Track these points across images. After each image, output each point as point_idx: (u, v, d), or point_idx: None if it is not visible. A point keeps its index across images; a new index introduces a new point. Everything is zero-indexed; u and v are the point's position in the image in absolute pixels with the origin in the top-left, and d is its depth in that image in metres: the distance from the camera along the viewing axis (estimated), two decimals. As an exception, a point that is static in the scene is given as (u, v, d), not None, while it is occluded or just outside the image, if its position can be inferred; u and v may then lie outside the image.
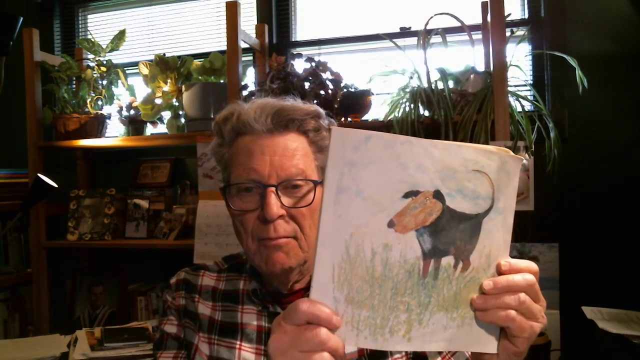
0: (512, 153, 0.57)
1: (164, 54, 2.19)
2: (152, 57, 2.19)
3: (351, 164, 0.52)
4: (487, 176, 0.56)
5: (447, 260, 0.56)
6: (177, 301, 0.94)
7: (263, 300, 0.89)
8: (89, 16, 2.68)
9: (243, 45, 1.96)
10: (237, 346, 0.87)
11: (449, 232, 0.56)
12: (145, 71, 2.20)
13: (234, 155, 0.86)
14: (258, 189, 0.82)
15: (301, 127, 0.85)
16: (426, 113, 1.76)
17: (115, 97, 2.32)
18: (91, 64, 2.30)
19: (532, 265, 0.60)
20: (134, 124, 2.30)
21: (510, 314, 0.57)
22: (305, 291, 0.89)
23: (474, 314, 0.58)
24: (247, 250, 0.86)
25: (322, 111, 0.88)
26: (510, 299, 0.57)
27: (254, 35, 2.14)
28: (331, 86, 1.84)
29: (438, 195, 0.55)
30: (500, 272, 0.58)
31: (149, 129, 2.33)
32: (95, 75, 2.26)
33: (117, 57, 2.37)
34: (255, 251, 0.84)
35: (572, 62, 1.75)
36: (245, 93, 1.91)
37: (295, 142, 0.84)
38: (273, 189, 0.80)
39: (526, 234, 1.70)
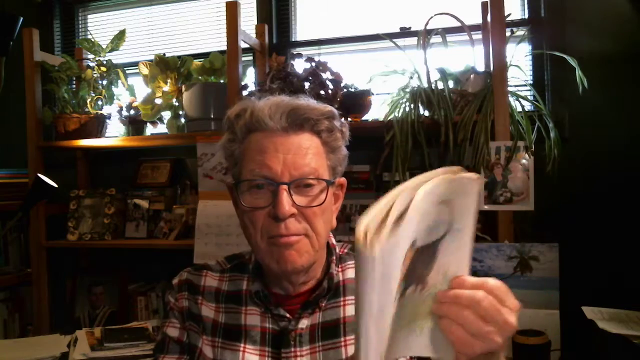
0: (468, 174, 0.58)
1: (164, 54, 2.19)
2: (152, 57, 2.19)
3: (382, 276, 0.53)
4: (450, 203, 0.57)
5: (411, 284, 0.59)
6: (180, 303, 0.93)
7: (266, 303, 0.88)
8: (89, 16, 2.68)
9: (243, 45, 1.96)
10: (241, 349, 0.86)
11: (415, 265, 0.57)
12: (145, 71, 2.20)
13: (246, 151, 0.85)
14: (270, 186, 0.81)
15: (315, 127, 0.85)
16: (426, 113, 1.75)
17: (115, 97, 2.32)
18: (91, 64, 2.30)
19: (488, 282, 0.59)
20: (134, 124, 2.30)
21: (451, 325, 0.58)
22: (311, 293, 0.89)
23: (431, 325, 0.61)
24: (255, 248, 0.85)
25: (336, 112, 0.88)
26: (453, 311, 0.58)
27: (254, 35, 2.14)
28: (331, 86, 1.84)
29: (412, 244, 0.56)
30: (452, 288, 0.60)
31: (149, 129, 2.33)
32: (95, 75, 2.26)
33: (117, 57, 2.37)
34: (265, 249, 0.83)
35: (572, 62, 1.75)
36: (245, 93, 1.91)
37: (308, 142, 0.84)
38: (285, 187, 0.80)
39: (526, 234, 1.70)
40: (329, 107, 0.87)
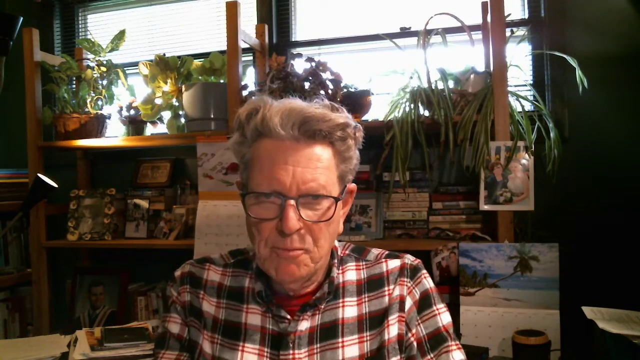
0: None
1: (164, 54, 2.19)
2: (152, 57, 2.18)
3: None
4: None
5: None
6: (182, 297, 0.93)
7: (267, 303, 0.88)
8: (89, 16, 2.68)
9: (243, 45, 1.96)
10: (240, 347, 0.86)
11: None
12: (145, 71, 2.20)
13: (256, 158, 0.83)
14: (277, 200, 0.80)
15: (328, 137, 0.83)
16: (426, 113, 1.76)
17: (115, 97, 2.32)
18: (91, 64, 2.30)
19: None
20: (134, 124, 2.30)
21: None
22: (312, 295, 0.89)
23: None
24: (258, 254, 0.85)
25: (350, 122, 0.86)
26: None
27: (254, 35, 2.14)
28: (331, 86, 1.84)
29: None
30: None
31: (149, 129, 2.33)
32: (95, 75, 2.26)
33: (117, 57, 2.37)
34: (266, 256, 0.83)
35: (572, 62, 1.75)
36: (245, 93, 1.91)
37: (319, 153, 0.82)
38: (293, 202, 0.79)
39: (526, 234, 1.70)
40: (344, 118, 0.84)
